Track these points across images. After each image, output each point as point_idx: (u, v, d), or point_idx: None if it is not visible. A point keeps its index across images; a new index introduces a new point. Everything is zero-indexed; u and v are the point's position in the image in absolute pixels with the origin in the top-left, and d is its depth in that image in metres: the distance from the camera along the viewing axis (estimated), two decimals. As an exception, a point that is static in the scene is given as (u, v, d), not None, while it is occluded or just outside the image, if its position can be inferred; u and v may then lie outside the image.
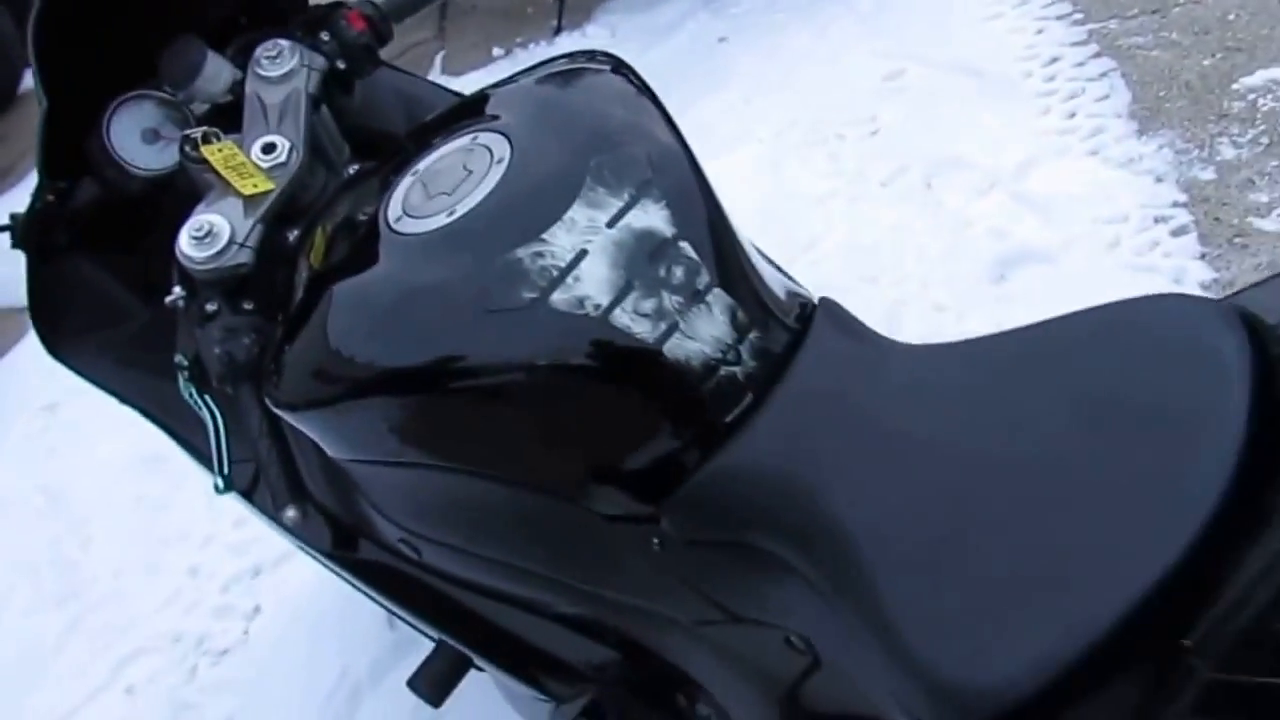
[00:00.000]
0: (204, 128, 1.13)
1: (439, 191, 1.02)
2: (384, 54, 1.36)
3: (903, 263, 2.18)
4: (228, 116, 1.19)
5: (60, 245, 1.28)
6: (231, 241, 1.07)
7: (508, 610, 1.19)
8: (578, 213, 0.94)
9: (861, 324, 1.02)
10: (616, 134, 1.01)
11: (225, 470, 1.18)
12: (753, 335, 0.94)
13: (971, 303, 2.05)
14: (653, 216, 0.94)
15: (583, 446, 0.96)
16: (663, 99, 1.06)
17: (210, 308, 1.08)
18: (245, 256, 1.07)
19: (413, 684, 1.39)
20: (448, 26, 3.97)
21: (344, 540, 1.27)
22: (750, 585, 0.95)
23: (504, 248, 0.93)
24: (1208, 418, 0.75)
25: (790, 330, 0.97)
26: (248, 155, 1.12)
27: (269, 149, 1.13)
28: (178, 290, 1.10)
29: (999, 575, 0.77)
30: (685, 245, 0.94)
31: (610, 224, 0.93)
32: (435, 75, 3.60)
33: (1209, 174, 2.17)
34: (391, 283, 0.98)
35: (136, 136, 1.25)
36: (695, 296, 0.93)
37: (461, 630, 1.27)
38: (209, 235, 1.06)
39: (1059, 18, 2.73)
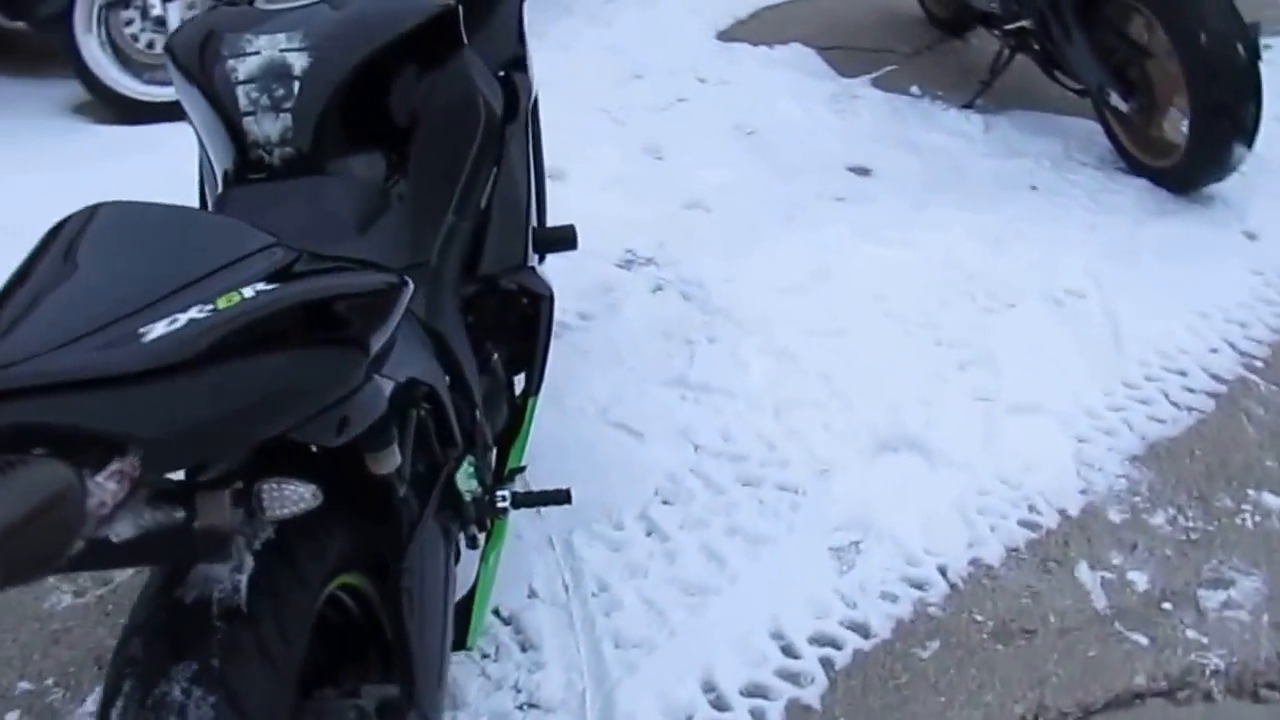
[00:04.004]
0: None
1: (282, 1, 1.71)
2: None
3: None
4: None
5: None
6: None
7: None
8: (280, 37, 1.59)
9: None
10: (348, 17, 1.65)
11: None
12: (289, 150, 1.56)
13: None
14: (299, 60, 1.57)
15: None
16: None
17: None
18: None
19: None
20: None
21: None
22: None
23: (254, 32, 1.60)
24: None
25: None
26: None
27: None
28: None
29: None
30: (295, 84, 1.56)
31: (280, 50, 1.58)
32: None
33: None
34: (228, 19, 1.67)
35: None
36: (278, 104, 1.56)
37: None
38: None
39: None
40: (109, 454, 0.88)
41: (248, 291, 1.03)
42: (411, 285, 1.25)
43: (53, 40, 3.55)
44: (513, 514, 2.11)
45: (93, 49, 3.54)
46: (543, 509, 2.15)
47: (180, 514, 1.01)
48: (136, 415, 0.91)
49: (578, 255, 2.94)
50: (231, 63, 1.56)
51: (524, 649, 1.94)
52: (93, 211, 1.13)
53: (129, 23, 3.62)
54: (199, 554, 1.04)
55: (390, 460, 1.27)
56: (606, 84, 4.02)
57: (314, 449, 1.24)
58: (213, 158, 1.63)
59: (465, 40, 1.78)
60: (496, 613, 1.98)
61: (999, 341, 2.73)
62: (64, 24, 3.44)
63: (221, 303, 1.01)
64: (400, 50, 1.68)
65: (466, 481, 1.58)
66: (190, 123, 1.75)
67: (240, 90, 1.54)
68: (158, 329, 0.96)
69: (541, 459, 2.31)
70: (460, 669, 1.88)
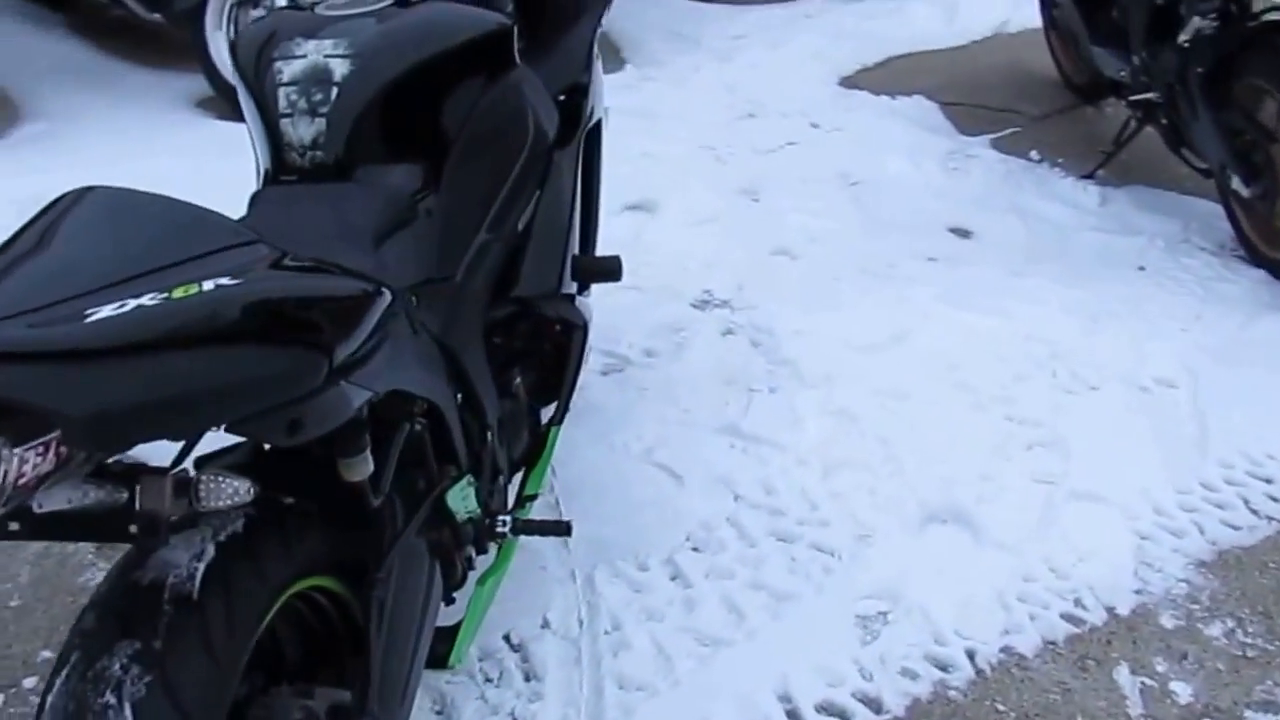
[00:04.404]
0: None
1: (345, 8, 1.71)
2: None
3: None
4: None
5: None
6: None
7: None
8: (327, 43, 1.60)
9: None
10: (398, 28, 1.66)
11: None
12: (319, 154, 1.58)
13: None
14: (341, 66, 1.59)
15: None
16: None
17: None
18: None
19: None
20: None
21: None
22: None
23: (306, 36, 1.62)
24: None
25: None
26: None
27: None
28: None
29: None
30: (334, 89, 1.58)
31: (325, 56, 1.59)
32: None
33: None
34: (288, 22, 1.70)
35: None
36: (315, 109, 1.57)
37: None
38: None
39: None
40: (38, 428, 0.90)
41: (208, 284, 1.04)
42: (389, 296, 1.25)
43: (184, 35, 3.72)
44: (539, 542, 2.13)
45: (220, 45, 3.70)
46: (570, 541, 2.16)
47: (122, 495, 1.04)
48: (63, 392, 0.91)
49: (653, 291, 2.96)
50: (279, 64, 1.60)
51: (527, 678, 1.94)
52: (83, 193, 1.16)
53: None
54: (135, 537, 1.06)
55: (360, 469, 1.28)
56: (717, 121, 4.02)
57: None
58: (257, 157, 1.68)
59: (517, 60, 1.79)
60: (506, 639, 1.99)
61: (1074, 424, 2.63)
62: (196, 20, 3.60)
63: (177, 293, 1.02)
64: (448, 65, 1.69)
65: (460, 502, 1.58)
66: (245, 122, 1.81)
67: (281, 92, 1.57)
68: (104, 311, 0.97)
69: (579, 491, 2.32)
70: (459, 689, 1.89)
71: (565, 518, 2.25)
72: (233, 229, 1.18)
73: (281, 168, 1.59)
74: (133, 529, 1.06)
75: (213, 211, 1.20)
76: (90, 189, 1.17)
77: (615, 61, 4.47)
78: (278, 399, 1.08)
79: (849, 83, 4.46)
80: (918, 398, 2.66)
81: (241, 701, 1.27)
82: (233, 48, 1.69)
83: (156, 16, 3.77)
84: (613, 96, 4.09)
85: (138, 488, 1.05)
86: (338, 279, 1.21)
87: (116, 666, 1.07)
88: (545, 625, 2.02)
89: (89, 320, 0.96)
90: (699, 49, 4.61)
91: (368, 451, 1.29)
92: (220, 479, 1.11)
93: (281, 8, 1.76)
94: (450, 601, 1.72)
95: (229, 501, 1.12)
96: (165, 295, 1.01)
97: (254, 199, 1.53)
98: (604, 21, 4.33)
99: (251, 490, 1.13)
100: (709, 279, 3.07)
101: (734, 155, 3.79)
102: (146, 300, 1.00)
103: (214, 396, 1.02)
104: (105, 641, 1.09)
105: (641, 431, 2.50)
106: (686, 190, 3.47)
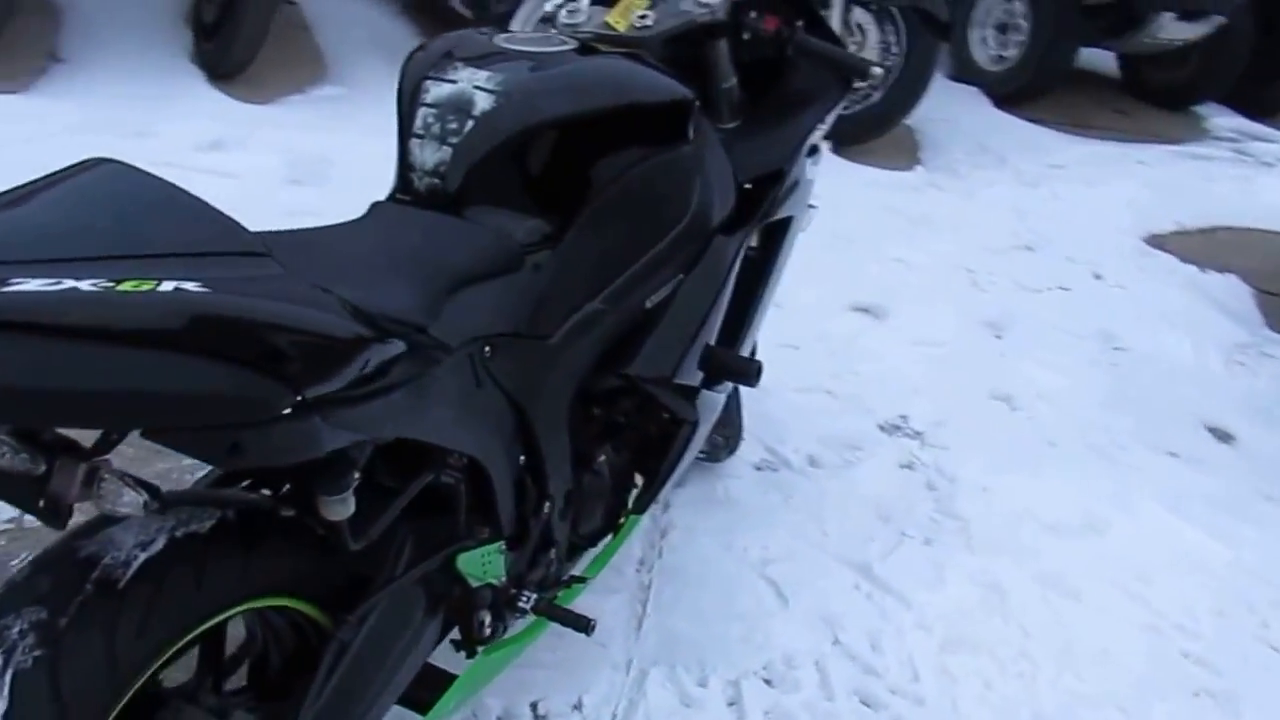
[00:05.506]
0: None
1: (524, 43, 1.64)
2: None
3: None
4: None
5: None
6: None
7: None
8: (482, 74, 1.52)
9: None
10: (560, 75, 1.59)
11: None
12: (436, 182, 1.52)
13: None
14: (484, 100, 1.51)
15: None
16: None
17: None
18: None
19: None
20: None
21: None
22: None
23: (466, 62, 1.55)
24: None
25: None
26: (634, 13, 1.79)
27: (643, 17, 1.78)
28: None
29: None
30: (469, 122, 1.50)
31: (474, 86, 1.52)
32: None
33: None
34: (461, 44, 1.64)
35: None
36: (446, 136, 1.51)
37: None
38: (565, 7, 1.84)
39: None
40: None
41: (167, 285, 0.95)
42: (398, 345, 1.15)
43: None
44: (609, 619, 2.05)
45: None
46: (643, 626, 2.06)
47: (40, 467, 1.00)
48: None
49: (844, 399, 2.81)
50: (428, 84, 1.54)
51: (537, 755, 1.85)
52: (95, 163, 1.10)
53: None
54: (40, 514, 1.02)
55: (337, 509, 1.20)
56: (990, 245, 3.78)
57: None
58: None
59: (691, 136, 1.69)
60: (533, 707, 1.90)
61: (1261, 686, 2.24)
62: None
63: (126, 285, 0.94)
64: (604, 125, 1.60)
65: (478, 565, 1.50)
66: None
67: (421, 112, 1.53)
68: (30, 284, 0.90)
69: (677, 578, 2.22)
70: (466, 744, 1.83)
71: (653, 600, 2.15)
72: (243, 238, 1.09)
73: (402, 185, 1.55)
74: (41, 504, 1.01)
75: (227, 217, 1.11)
76: (104, 161, 1.10)
77: (908, 160, 4.30)
78: (210, 419, 0.99)
79: (1156, 241, 4.08)
80: (1087, 599, 2.36)
81: (154, 698, 1.22)
82: (407, 59, 1.64)
83: (469, 15, 3.96)
84: (891, 195, 3.98)
85: (56, 464, 1.01)
86: (323, 315, 1.07)
87: (15, 630, 1.02)
88: (578, 707, 1.92)
89: (3, 290, 0.90)
90: (1003, 167, 4.35)
91: (349, 494, 1.21)
92: (123, 484, 1.04)
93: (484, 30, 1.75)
94: (472, 654, 1.65)
95: (122, 509, 1.04)
96: (110, 285, 0.94)
97: (370, 208, 1.52)
98: (908, 119, 4.22)
99: (147, 505, 1.05)
100: (909, 404, 2.87)
101: (994, 284, 3.54)
102: (85, 285, 0.92)
103: (116, 399, 0.93)
104: (19, 600, 1.06)
105: (768, 540, 2.35)
106: (926, 306, 3.27)
